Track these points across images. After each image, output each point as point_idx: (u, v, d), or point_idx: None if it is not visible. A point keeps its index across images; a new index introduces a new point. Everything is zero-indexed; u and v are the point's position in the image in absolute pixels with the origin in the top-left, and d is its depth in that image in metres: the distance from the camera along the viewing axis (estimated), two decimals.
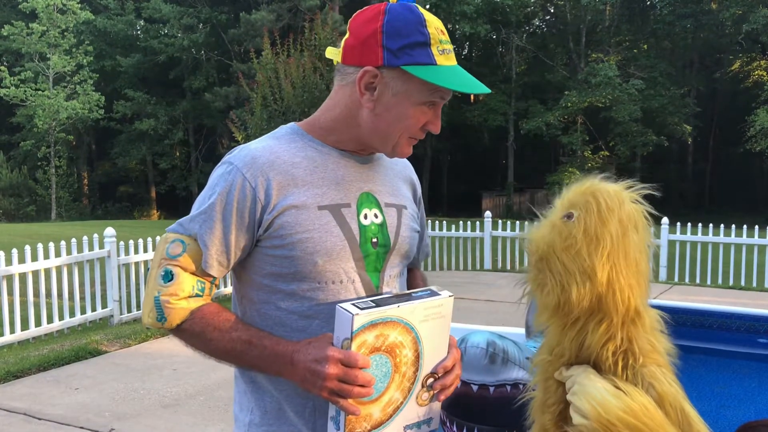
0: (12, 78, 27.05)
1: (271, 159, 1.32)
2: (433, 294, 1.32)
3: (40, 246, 6.61)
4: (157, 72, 30.41)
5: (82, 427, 4.29)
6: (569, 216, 1.23)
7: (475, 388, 1.82)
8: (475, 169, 32.46)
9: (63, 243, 6.79)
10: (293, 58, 10.95)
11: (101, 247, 7.29)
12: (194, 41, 28.59)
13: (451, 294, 1.33)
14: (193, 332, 1.31)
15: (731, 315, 2.09)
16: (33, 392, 4.96)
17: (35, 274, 6.64)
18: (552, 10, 32.39)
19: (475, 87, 1.30)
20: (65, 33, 27.91)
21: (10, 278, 6.35)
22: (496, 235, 11.46)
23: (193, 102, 30.26)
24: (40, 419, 4.43)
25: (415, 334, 1.26)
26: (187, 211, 1.39)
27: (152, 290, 1.30)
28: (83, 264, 7.13)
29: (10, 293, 6.39)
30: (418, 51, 1.26)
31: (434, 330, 1.30)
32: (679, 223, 10.44)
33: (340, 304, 1.21)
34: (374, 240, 1.36)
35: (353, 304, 1.21)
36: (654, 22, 28.21)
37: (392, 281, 1.41)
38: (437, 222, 11.93)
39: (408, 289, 1.50)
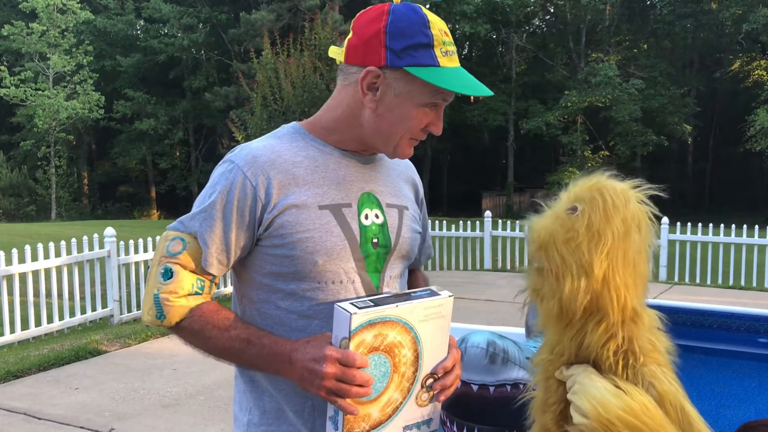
0: (12, 78, 27.03)
1: (272, 158, 1.32)
2: (433, 294, 1.31)
3: (40, 246, 6.61)
4: (157, 72, 30.41)
5: (82, 427, 4.29)
6: (574, 209, 1.23)
7: (475, 388, 1.81)
8: (475, 169, 32.45)
9: (63, 243, 6.78)
10: (293, 58, 10.94)
11: (101, 246, 7.29)
12: (194, 41, 28.59)
13: (451, 294, 1.33)
14: (192, 330, 1.31)
15: (731, 315, 2.09)
16: (33, 392, 4.96)
17: (35, 273, 6.63)
18: (552, 10, 32.39)
19: (478, 89, 1.29)
20: (65, 33, 27.89)
21: (10, 278, 6.35)
22: (496, 235, 11.45)
23: (193, 102, 30.26)
24: (40, 419, 4.43)
25: (414, 334, 1.26)
26: (187, 211, 1.39)
27: (152, 288, 1.30)
28: (83, 264, 7.13)
29: (10, 293, 6.38)
30: (421, 52, 1.26)
31: (434, 330, 1.29)
32: (679, 223, 10.43)
33: (339, 304, 1.21)
34: (375, 240, 1.36)
35: (351, 303, 1.20)
36: (654, 21, 28.21)
37: (393, 282, 1.40)
38: (437, 222, 11.93)
39: (409, 289, 1.50)
